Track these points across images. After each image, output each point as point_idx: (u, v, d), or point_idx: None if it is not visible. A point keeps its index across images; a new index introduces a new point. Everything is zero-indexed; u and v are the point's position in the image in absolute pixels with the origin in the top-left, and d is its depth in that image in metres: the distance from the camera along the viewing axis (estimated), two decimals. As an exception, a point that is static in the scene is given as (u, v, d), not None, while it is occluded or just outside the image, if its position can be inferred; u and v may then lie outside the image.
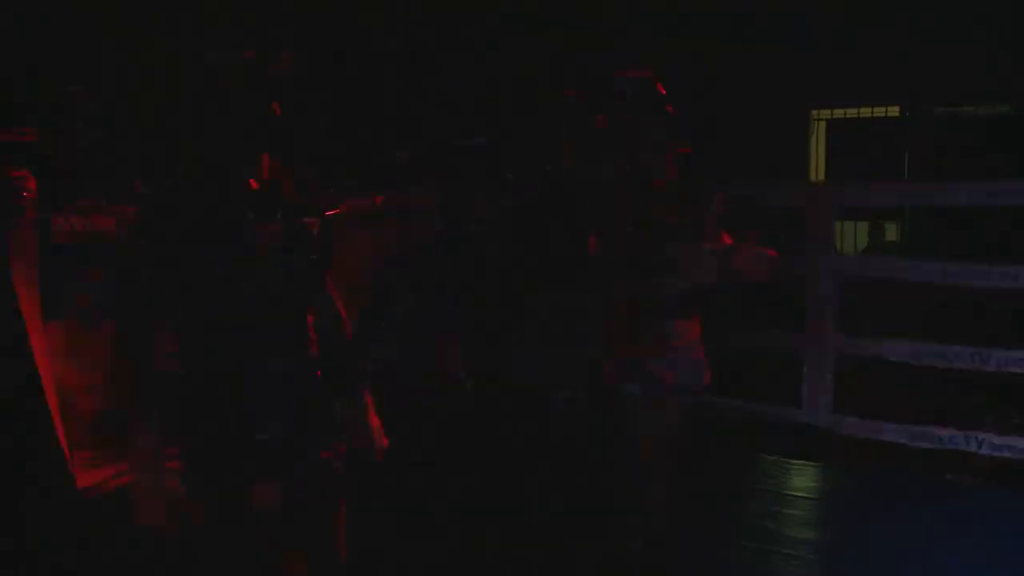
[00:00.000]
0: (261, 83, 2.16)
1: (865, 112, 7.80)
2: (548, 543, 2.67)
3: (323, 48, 5.19)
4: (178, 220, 2.25)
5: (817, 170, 7.97)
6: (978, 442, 4.11)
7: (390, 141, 2.28)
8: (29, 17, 4.85)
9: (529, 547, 2.70)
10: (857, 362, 5.08)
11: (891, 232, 7.95)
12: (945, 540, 3.69)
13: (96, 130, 3.80)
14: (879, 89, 7.41)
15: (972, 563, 3.50)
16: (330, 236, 2.30)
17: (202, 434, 2.14)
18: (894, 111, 7.73)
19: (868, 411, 4.90)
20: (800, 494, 4.44)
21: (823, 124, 8.04)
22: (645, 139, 2.91)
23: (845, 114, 7.92)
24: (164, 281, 2.25)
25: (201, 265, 2.17)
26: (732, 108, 6.16)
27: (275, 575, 2.23)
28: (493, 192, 2.83)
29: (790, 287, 4.92)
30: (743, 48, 7.36)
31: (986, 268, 4.08)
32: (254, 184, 2.23)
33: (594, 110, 2.60)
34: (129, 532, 3.44)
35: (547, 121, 4.08)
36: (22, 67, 4.50)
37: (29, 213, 3.28)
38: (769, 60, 7.38)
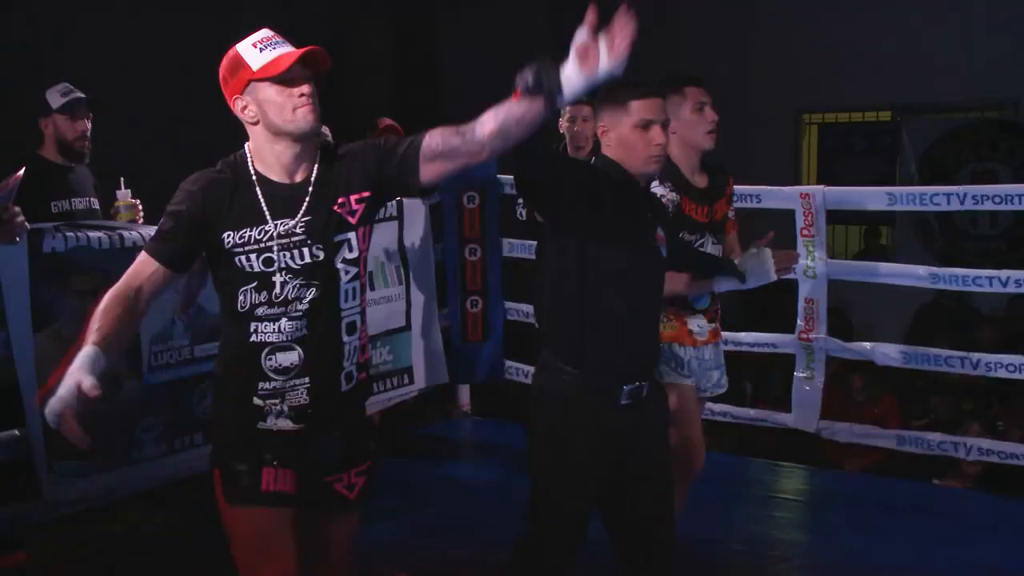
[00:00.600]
0: None
1: (856, 117, 7.83)
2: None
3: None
4: None
5: (809, 174, 7.99)
6: (966, 447, 4.11)
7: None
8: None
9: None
10: (846, 365, 5.09)
11: (885, 236, 7.98)
12: (931, 545, 3.70)
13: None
14: (870, 93, 7.43)
15: (959, 568, 3.50)
16: None
17: None
18: (885, 115, 7.75)
19: (856, 415, 4.90)
20: (788, 497, 4.44)
21: (815, 128, 8.06)
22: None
23: (836, 118, 7.94)
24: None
25: None
26: (724, 111, 6.15)
27: None
28: None
29: (779, 290, 4.93)
30: (735, 51, 7.38)
31: (975, 272, 4.09)
32: None
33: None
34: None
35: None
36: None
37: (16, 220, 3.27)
38: (761, 64, 7.41)
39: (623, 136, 2.40)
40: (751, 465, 4.67)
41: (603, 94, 2.44)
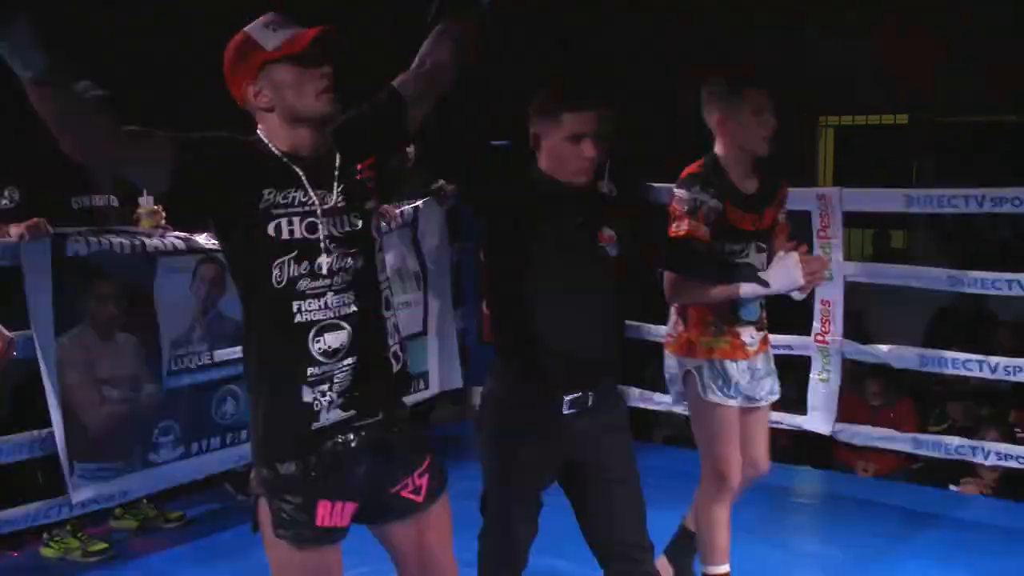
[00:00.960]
0: None
1: (873, 120, 7.81)
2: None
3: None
4: None
5: (825, 176, 7.98)
6: (984, 452, 4.09)
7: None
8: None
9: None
10: (863, 368, 5.08)
11: (897, 239, 7.95)
12: (947, 550, 3.68)
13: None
14: (887, 97, 7.41)
15: (974, 574, 3.49)
16: None
17: None
18: (902, 119, 7.73)
19: (873, 418, 4.89)
20: (803, 500, 4.44)
21: (831, 131, 8.05)
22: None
23: (853, 121, 7.92)
24: None
25: None
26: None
27: None
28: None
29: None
30: (752, 54, 7.37)
31: (992, 276, 4.07)
32: None
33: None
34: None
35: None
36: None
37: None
38: (778, 66, 7.38)
39: (553, 147, 2.39)
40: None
41: (536, 104, 2.44)
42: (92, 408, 3.50)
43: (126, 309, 3.60)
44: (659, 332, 4.60)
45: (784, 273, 2.66)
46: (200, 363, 3.79)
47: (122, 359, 3.60)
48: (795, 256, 2.66)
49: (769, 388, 2.98)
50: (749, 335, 2.88)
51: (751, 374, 2.91)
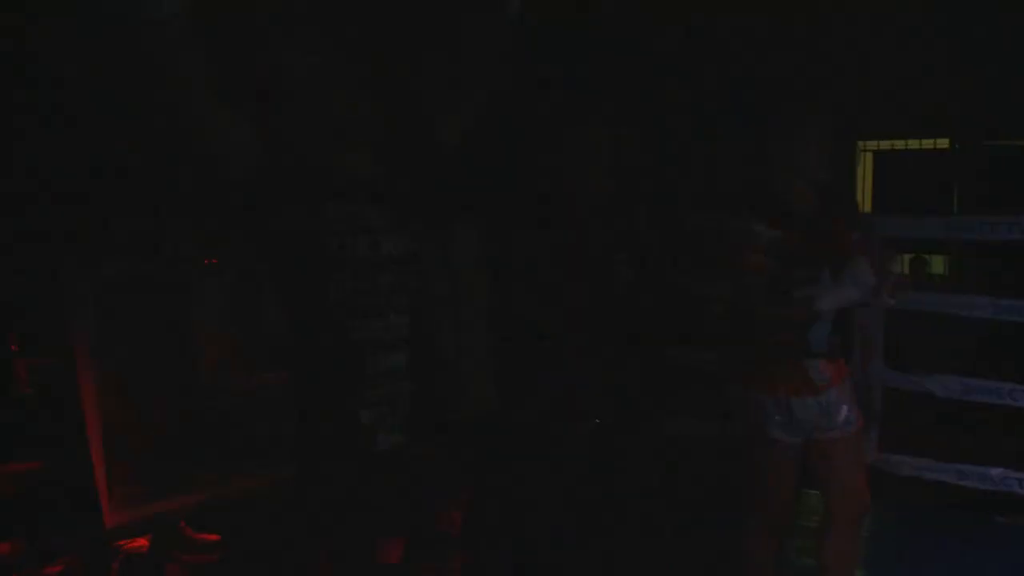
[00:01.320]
0: None
1: (913, 144, 7.73)
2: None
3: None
4: None
5: (864, 202, 7.89)
6: (1032, 484, 4.01)
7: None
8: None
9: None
10: (905, 397, 4.99)
11: (938, 265, 7.84)
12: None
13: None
14: (928, 121, 7.33)
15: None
16: None
17: None
18: (943, 143, 7.64)
19: (915, 447, 4.80)
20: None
21: (870, 155, 7.97)
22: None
23: (892, 146, 7.84)
24: None
25: None
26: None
27: None
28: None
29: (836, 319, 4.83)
30: (789, 77, 7.33)
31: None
32: None
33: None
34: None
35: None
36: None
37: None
38: (816, 90, 7.34)
39: (566, 164, 2.46)
40: (805, 497, 4.59)
41: (545, 120, 2.48)
42: (129, 434, 3.53)
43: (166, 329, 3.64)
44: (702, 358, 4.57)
45: (856, 275, 2.61)
46: (241, 384, 3.82)
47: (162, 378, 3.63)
48: (862, 258, 2.63)
49: (844, 417, 2.88)
50: (817, 369, 2.81)
51: (820, 407, 2.84)
